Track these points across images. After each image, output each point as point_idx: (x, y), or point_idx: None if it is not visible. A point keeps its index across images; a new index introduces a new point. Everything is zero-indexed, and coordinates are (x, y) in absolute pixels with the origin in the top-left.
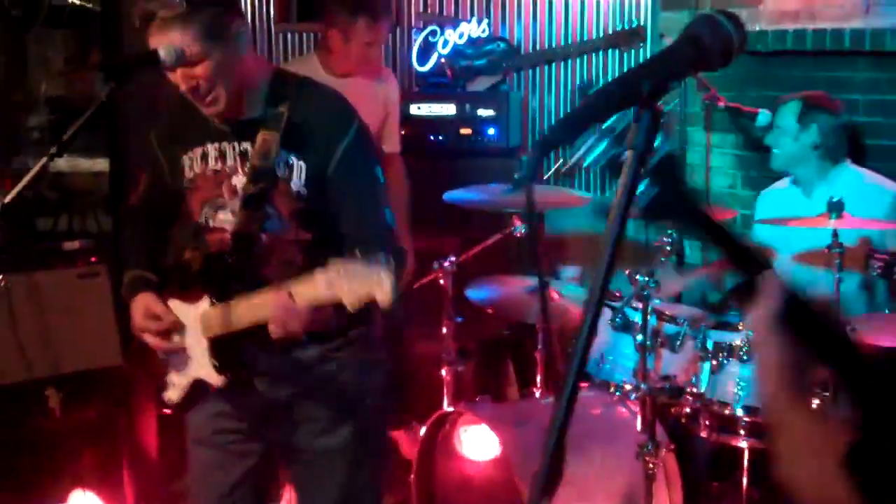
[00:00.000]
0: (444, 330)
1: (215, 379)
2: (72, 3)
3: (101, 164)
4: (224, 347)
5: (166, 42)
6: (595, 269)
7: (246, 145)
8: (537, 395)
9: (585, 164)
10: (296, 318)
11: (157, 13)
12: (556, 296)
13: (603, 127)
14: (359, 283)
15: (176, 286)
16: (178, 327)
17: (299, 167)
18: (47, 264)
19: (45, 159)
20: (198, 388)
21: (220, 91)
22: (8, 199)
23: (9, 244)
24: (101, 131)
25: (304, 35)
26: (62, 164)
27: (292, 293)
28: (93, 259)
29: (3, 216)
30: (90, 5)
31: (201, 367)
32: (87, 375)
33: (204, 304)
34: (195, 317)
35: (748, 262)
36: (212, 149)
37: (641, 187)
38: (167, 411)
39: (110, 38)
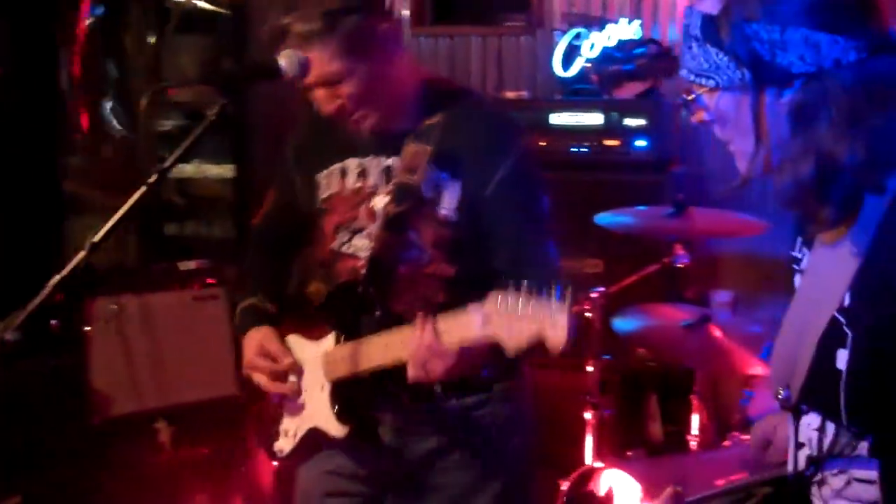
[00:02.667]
0: (590, 368)
1: (336, 429)
2: (202, 7)
3: (230, 171)
4: (349, 392)
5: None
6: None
7: (391, 160)
8: (693, 445)
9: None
10: (440, 360)
11: (291, 28)
12: (716, 333)
13: None
14: (526, 321)
15: (297, 320)
16: (294, 368)
17: (451, 188)
18: (161, 285)
19: (143, 188)
20: (314, 440)
21: (368, 108)
22: (97, 237)
23: (119, 266)
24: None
25: (441, 39)
26: (189, 169)
27: (438, 330)
28: (209, 280)
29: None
30: (222, 10)
31: (320, 414)
32: (201, 407)
33: (329, 341)
34: (317, 356)
35: None
36: (352, 164)
37: None
38: (276, 464)
39: (239, 45)
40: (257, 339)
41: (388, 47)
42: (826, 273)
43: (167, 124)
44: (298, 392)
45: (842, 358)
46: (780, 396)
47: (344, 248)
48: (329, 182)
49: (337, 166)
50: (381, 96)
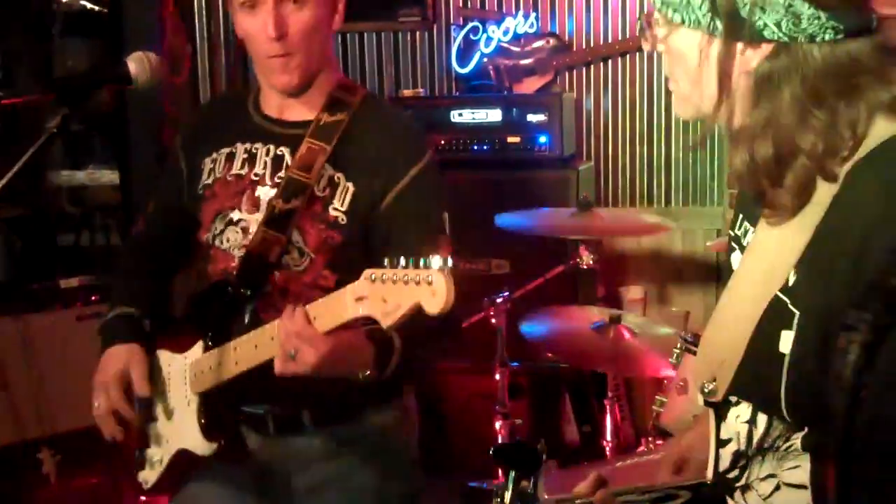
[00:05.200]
0: (497, 377)
1: (203, 447)
2: (89, 8)
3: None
4: (216, 404)
5: None
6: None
7: (283, 150)
8: (607, 450)
9: None
10: (311, 348)
11: None
12: (626, 334)
13: None
14: (399, 291)
15: (170, 331)
16: (157, 392)
17: (345, 188)
18: (41, 305)
19: None
20: (183, 465)
21: (304, 57)
22: None
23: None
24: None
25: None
26: (82, 177)
27: (310, 315)
28: (94, 298)
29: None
30: (105, 10)
31: (187, 432)
32: (88, 433)
33: (196, 350)
34: (184, 368)
35: None
36: (241, 149)
37: None
38: (143, 498)
39: (115, 46)
40: (121, 359)
41: (337, 7)
42: (769, 250)
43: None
44: (171, 405)
45: (786, 340)
46: (705, 390)
47: (217, 242)
48: (214, 166)
49: (224, 150)
50: (314, 51)
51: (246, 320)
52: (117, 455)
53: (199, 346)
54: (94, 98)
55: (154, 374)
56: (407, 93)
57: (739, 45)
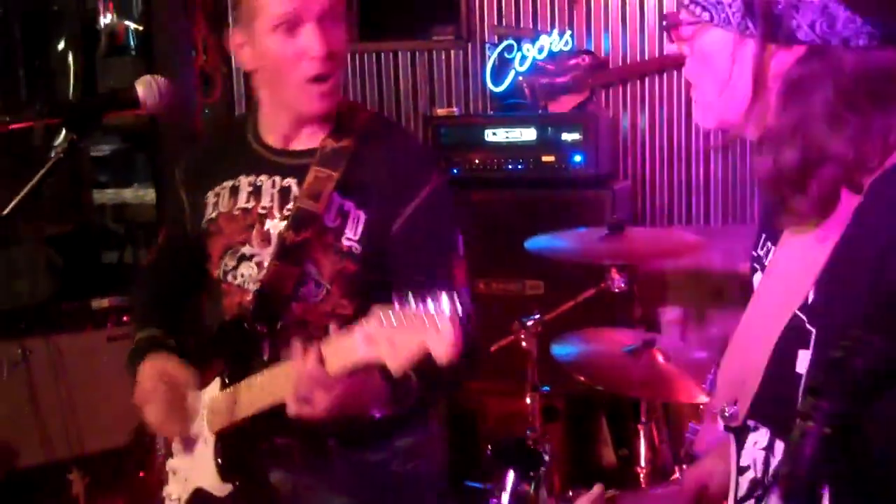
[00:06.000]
0: (528, 401)
1: (219, 488)
2: (133, 28)
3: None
4: (234, 445)
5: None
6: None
7: (290, 181)
8: (641, 477)
9: None
10: (323, 391)
11: None
12: (660, 358)
13: None
14: (407, 334)
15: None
16: (191, 411)
17: (356, 217)
18: (72, 325)
19: None
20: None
21: (342, 77)
22: None
23: (25, 306)
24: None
25: (368, 55)
26: (128, 194)
27: (323, 356)
28: (125, 318)
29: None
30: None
31: (204, 472)
32: (117, 455)
33: (214, 387)
34: (202, 405)
35: None
36: (245, 182)
37: None
38: None
39: (149, 66)
40: (159, 364)
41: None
42: (790, 269)
43: (104, 149)
44: (190, 440)
45: (803, 360)
46: (725, 414)
47: (230, 278)
48: (218, 201)
49: (228, 184)
50: (345, 71)
51: (265, 357)
52: (142, 479)
53: (216, 383)
54: (103, 121)
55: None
56: (441, 111)
57: (772, 47)
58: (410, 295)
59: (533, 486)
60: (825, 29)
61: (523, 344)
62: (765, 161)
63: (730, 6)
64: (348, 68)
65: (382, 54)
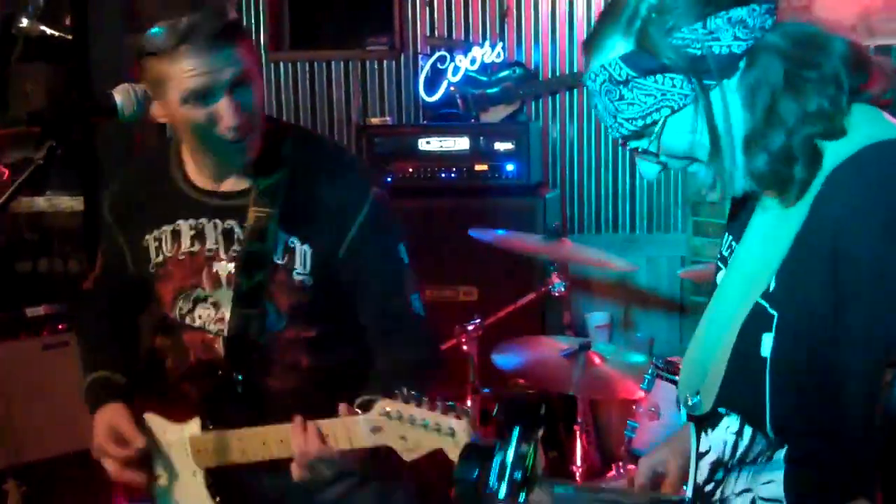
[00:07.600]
0: (469, 403)
1: None
2: (49, 33)
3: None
4: (227, 478)
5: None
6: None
7: (231, 223)
8: (577, 475)
9: None
10: (329, 462)
11: (190, 30)
12: (597, 360)
13: None
14: (424, 435)
15: (155, 392)
16: (152, 453)
17: (302, 252)
18: (6, 334)
19: None
20: None
21: (260, 129)
22: None
23: None
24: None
25: (301, 63)
26: (42, 203)
27: (323, 434)
28: (60, 326)
29: None
30: (68, 36)
31: (195, 500)
32: (55, 464)
33: (193, 426)
34: (183, 440)
35: None
36: (185, 226)
37: None
38: None
39: (80, 75)
40: (105, 419)
41: (259, 69)
42: (753, 257)
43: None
44: (173, 471)
45: (767, 343)
46: (689, 404)
47: (188, 320)
48: (160, 246)
49: (167, 228)
50: (262, 119)
51: (241, 400)
52: (84, 489)
53: (195, 422)
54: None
55: (148, 435)
56: (375, 121)
57: (721, 83)
58: (416, 394)
59: (531, 448)
60: (746, 31)
61: (464, 348)
62: (758, 159)
63: (674, 85)
64: (281, 77)
65: (316, 63)
